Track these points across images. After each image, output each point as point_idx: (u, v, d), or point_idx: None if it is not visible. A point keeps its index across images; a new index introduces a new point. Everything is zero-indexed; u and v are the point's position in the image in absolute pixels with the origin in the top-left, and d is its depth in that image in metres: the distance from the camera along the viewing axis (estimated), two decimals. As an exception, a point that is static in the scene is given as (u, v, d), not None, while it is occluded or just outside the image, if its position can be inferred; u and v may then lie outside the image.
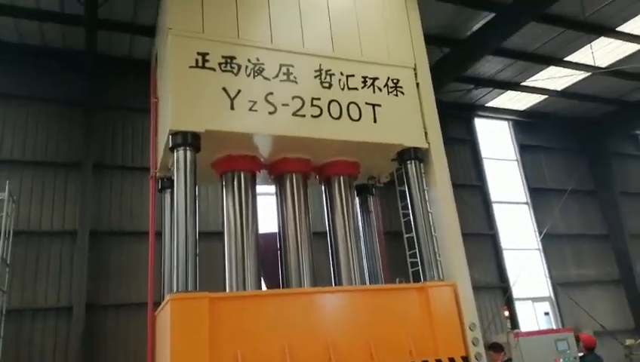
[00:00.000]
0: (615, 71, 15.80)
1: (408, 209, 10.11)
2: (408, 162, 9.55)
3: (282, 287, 8.71)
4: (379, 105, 9.07)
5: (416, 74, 9.68)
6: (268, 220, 11.16)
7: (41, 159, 12.52)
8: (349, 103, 8.80)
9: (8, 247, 10.35)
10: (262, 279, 8.69)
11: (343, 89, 8.83)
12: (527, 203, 18.82)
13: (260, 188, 9.90)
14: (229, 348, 6.82)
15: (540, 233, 17.79)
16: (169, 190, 9.29)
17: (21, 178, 12.18)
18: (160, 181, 9.52)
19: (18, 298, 11.35)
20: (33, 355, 10.98)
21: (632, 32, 14.71)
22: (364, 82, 9.09)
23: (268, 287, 8.95)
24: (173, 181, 7.82)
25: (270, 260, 9.13)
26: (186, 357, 6.51)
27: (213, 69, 7.92)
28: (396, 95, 9.36)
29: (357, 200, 10.81)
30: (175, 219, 7.41)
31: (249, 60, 8.20)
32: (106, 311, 11.92)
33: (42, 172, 12.45)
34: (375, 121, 8.98)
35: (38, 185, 12.33)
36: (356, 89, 8.96)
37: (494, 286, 16.61)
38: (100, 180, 12.85)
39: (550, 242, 17.96)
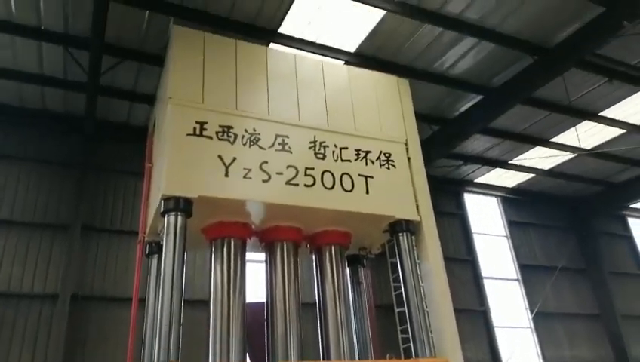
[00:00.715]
0: (600, 153, 16.32)
1: (400, 282, 10.02)
2: (400, 234, 9.59)
3: (268, 361, 8.39)
4: (371, 177, 9.24)
5: (407, 148, 9.98)
6: (256, 289, 10.95)
7: (29, 220, 12.37)
8: (342, 174, 8.97)
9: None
10: (247, 353, 8.39)
11: (336, 160, 9.04)
12: (517, 279, 18.69)
13: (249, 255, 9.81)
14: None
15: (532, 311, 17.57)
16: (156, 255, 9.18)
17: (6, 238, 11.99)
18: (148, 246, 9.41)
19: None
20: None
21: (614, 117, 15.33)
22: (357, 155, 9.32)
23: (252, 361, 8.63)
24: (161, 246, 7.74)
25: (256, 332, 8.84)
26: None
27: (210, 138, 8.11)
28: (388, 168, 9.56)
29: (348, 270, 10.69)
30: (161, 285, 7.27)
31: (245, 130, 8.43)
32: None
33: (29, 233, 12.28)
34: (367, 193, 9.12)
35: (23, 246, 12.11)
36: (349, 161, 9.18)
37: (486, 366, 16.13)
38: (87, 243, 12.68)
39: (542, 320, 17.71)
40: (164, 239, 7.49)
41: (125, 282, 12.05)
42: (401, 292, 9.69)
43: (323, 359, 8.77)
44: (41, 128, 13.25)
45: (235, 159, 8.10)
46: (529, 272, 18.76)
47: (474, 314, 16.73)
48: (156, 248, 9.11)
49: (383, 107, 10.15)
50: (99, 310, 12.09)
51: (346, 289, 9.74)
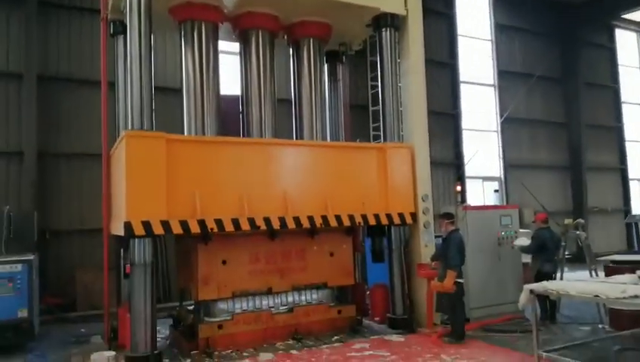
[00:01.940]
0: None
1: (377, 80, 9.85)
2: (383, 29, 9.13)
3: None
4: (358, -37, 8.29)
5: None
6: (231, 83, 10.66)
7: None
8: (326, -45, 8.00)
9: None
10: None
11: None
12: (493, 85, 18.75)
13: (222, 46, 9.28)
14: (186, 189, 6.92)
15: (501, 116, 18.05)
16: (122, 35, 8.54)
17: (-45, 10, 10.92)
18: (112, 24, 8.72)
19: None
20: (-15, 198, 10.75)
21: None
22: None
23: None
24: (125, 25, 7.12)
25: (231, 125, 8.85)
26: (142, 194, 6.55)
27: None
28: (377, -47, 8.54)
29: (326, 67, 10.39)
30: (129, 62, 6.87)
31: None
32: (58, 160, 11.59)
33: (-21, 5, 11.16)
34: (352, -21, 8.28)
35: (-24, 19, 11.12)
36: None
37: (449, 163, 17.11)
38: (46, 20, 11.68)
39: (509, 125, 18.33)
40: (128, 17, 6.85)
41: (92, 64, 11.48)
42: (378, 91, 9.63)
43: (296, 150, 8.83)
44: None
45: None
46: (506, 78, 18.74)
47: (445, 117, 17.10)
48: (121, 27, 8.43)
49: None
50: (68, 92, 11.73)
51: (322, 85, 9.57)
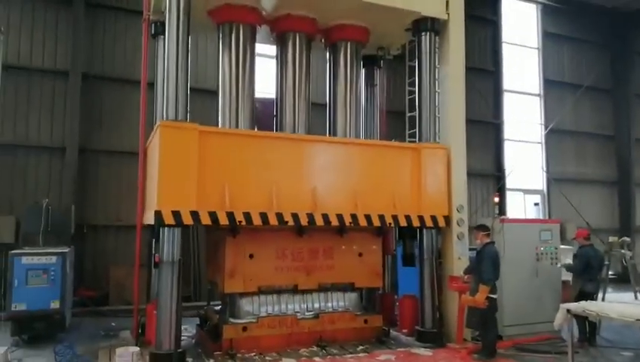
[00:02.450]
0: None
1: (415, 86, 9.64)
2: (423, 33, 8.92)
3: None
4: (399, -34, 8.15)
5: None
6: (266, 86, 10.68)
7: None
8: (366, -41, 7.90)
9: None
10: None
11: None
12: (539, 95, 18.12)
13: (260, 49, 9.30)
14: (216, 181, 6.96)
15: (546, 127, 17.41)
16: (162, 36, 8.66)
17: (8, 10, 11.39)
18: (154, 25, 8.90)
19: (10, 133, 11.24)
20: (28, 190, 11.14)
21: None
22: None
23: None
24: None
25: (264, 128, 8.83)
26: (174, 184, 6.62)
27: None
28: (419, -43, 8.37)
29: (363, 71, 10.27)
30: (166, 60, 6.99)
31: None
32: (98, 155, 11.91)
33: (31, 5, 11.62)
34: (391, -15, 8.14)
35: (28, 20, 11.58)
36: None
37: (488, 175, 16.63)
38: (92, 21, 12.07)
39: (554, 137, 17.66)
40: (167, 16, 6.95)
41: (135, 64, 11.76)
42: (415, 97, 9.41)
43: (328, 155, 8.71)
44: None
45: None
46: (552, 88, 18.09)
47: (487, 126, 16.65)
48: (162, 28, 8.53)
49: None
50: (111, 91, 12.08)
51: (358, 90, 9.45)
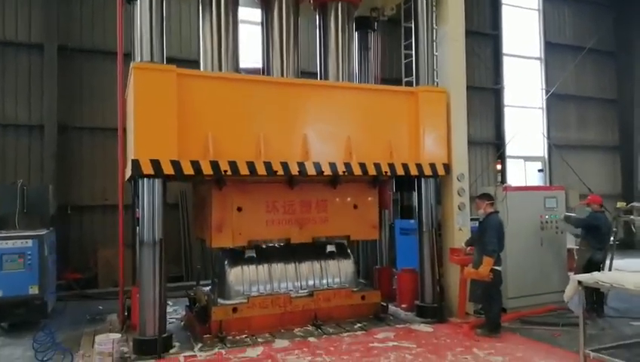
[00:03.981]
0: None
1: (411, 49, 9.07)
2: (419, -8, 8.31)
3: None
4: None
5: None
6: (251, 55, 10.06)
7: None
8: None
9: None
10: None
11: None
12: (539, 58, 17.47)
13: (243, 13, 8.67)
14: (198, 128, 6.51)
15: (547, 91, 16.82)
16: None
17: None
18: (128, -11, 8.22)
19: (-14, 112, 10.68)
20: (7, 171, 10.62)
21: None
22: None
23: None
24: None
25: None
26: (152, 131, 6.18)
27: None
28: None
29: (355, 35, 9.67)
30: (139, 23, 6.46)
31: None
32: (81, 133, 11.36)
33: (0, -28, 10.91)
34: None
35: (-4, -11, 10.89)
36: None
37: (489, 143, 16.13)
38: (67, -12, 11.38)
39: (556, 102, 17.09)
40: (138, -24, 6.33)
41: (115, 35, 11.08)
42: (412, 61, 8.85)
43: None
44: None
45: None
46: (554, 51, 17.42)
47: (486, 93, 16.07)
48: (137, -8, 7.90)
49: None
50: (91, 64, 11.43)
51: (351, 55, 8.84)
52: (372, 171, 7.45)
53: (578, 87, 17.70)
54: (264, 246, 7.77)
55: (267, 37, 8.22)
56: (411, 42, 8.77)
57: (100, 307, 9.03)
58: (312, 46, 9.74)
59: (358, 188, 8.01)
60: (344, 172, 7.27)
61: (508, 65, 16.67)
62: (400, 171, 7.67)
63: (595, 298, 7.85)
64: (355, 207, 7.99)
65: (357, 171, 7.33)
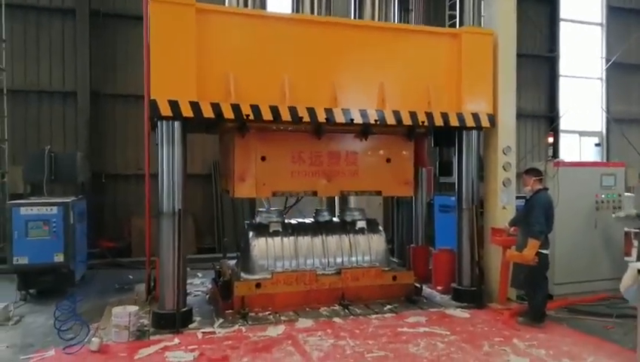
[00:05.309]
0: None
1: (456, 9, 8.31)
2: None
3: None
4: None
5: None
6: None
7: None
8: None
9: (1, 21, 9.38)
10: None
11: None
12: (601, 24, 16.03)
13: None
14: (219, 69, 6.15)
15: (608, 61, 15.44)
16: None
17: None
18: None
19: (21, 79, 10.68)
20: (42, 138, 10.65)
21: None
22: None
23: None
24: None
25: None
26: (170, 68, 5.86)
27: None
28: None
29: (395, -4, 8.96)
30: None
31: None
32: (115, 101, 11.26)
33: None
34: None
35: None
36: None
37: (540, 115, 15.07)
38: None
39: (617, 72, 15.68)
40: None
41: None
42: (456, 23, 8.12)
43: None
44: None
45: None
46: (617, 16, 15.94)
47: (539, 61, 14.95)
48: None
49: None
50: (124, 30, 11.24)
51: (390, 18, 8.16)
52: (407, 120, 6.78)
53: (643, 55, 16.19)
54: (293, 222, 7.43)
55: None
56: (456, 2, 8.04)
57: (130, 276, 8.97)
58: (347, 7, 9.09)
59: (391, 140, 7.42)
60: (376, 121, 6.66)
61: (565, 31, 15.39)
62: (438, 121, 6.94)
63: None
64: (388, 160, 7.42)
65: (390, 120, 6.70)
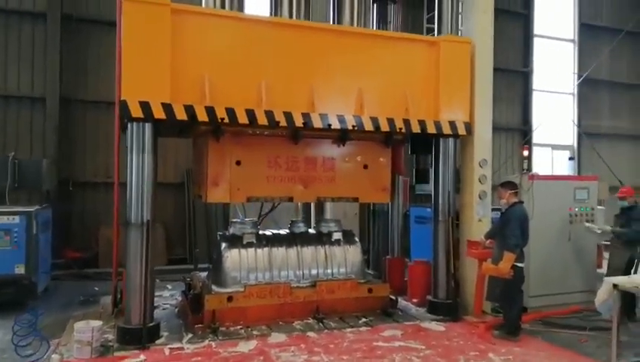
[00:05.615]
0: None
1: (434, 22, 8.33)
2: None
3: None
4: None
5: None
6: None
7: None
8: None
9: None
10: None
11: None
12: (573, 40, 16.41)
13: None
14: (194, 70, 5.97)
15: (580, 76, 15.78)
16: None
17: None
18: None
19: (-13, 82, 10.32)
20: (8, 143, 10.26)
21: None
22: None
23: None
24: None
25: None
26: (142, 68, 5.67)
27: None
28: None
29: (374, 7, 8.96)
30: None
31: None
32: (85, 107, 10.95)
33: None
34: None
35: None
36: None
37: (514, 128, 15.29)
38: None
39: (588, 88, 16.04)
40: None
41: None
42: (434, 35, 8.13)
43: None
44: None
45: None
46: (588, 33, 16.35)
47: (514, 75, 15.19)
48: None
49: None
50: (97, 35, 10.97)
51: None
52: (385, 127, 6.72)
53: (612, 72, 16.62)
54: (266, 233, 7.27)
55: (275, 8, 7.54)
56: (434, 14, 8.06)
57: (96, 288, 8.64)
58: (326, 18, 9.05)
59: (369, 146, 7.31)
60: (354, 126, 6.57)
61: (538, 47, 15.70)
62: (416, 128, 6.89)
63: (625, 299, 7.11)
64: (366, 167, 7.31)
65: (368, 126, 6.63)
